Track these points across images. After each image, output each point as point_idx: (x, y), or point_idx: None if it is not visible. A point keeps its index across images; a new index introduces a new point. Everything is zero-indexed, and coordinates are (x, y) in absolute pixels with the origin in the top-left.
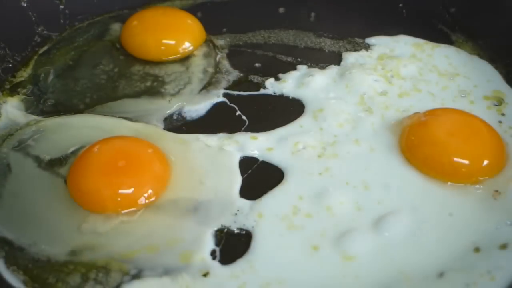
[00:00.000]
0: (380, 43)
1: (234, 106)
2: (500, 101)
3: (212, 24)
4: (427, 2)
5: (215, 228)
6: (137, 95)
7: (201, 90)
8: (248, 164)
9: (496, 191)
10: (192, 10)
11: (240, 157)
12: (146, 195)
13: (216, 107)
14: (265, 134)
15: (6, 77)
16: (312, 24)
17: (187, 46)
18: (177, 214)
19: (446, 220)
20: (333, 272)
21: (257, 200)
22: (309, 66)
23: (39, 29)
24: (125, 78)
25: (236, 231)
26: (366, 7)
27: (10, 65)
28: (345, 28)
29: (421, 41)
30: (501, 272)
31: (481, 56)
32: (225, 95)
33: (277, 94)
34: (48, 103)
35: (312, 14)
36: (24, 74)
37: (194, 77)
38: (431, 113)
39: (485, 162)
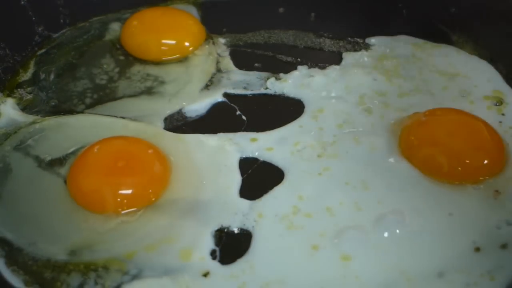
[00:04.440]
0: (380, 43)
1: (234, 106)
2: (500, 101)
3: (212, 24)
4: (427, 2)
5: (215, 228)
6: (137, 95)
7: (201, 90)
8: (248, 164)
9: (496, 191)
10: (192, 10)
11: (240, 157)
12: (146, 195)
13: (216, 107)
14: (265, 134)
15: (6, 77)
16: (312, 24)
17: (187, 46)
18: (177, 214)
19: (446, 220)
20: (333, 272)
21: (257, 200)
22: (309, 66)
23: (39, 29)
24: (125, 78)
25: (236, 231)
26: (366, 7)
27: (10, 65)
28: (345, 28)
29: (421, 41)
30: (501, 272)
31: (481, 56)
32: (225, 95)
33: (277, 94)
34: (49, 103)
35: (312, 14)
36: (24, 74)
37: (194, 77)
38: (431, 113)
39: (485, 162)
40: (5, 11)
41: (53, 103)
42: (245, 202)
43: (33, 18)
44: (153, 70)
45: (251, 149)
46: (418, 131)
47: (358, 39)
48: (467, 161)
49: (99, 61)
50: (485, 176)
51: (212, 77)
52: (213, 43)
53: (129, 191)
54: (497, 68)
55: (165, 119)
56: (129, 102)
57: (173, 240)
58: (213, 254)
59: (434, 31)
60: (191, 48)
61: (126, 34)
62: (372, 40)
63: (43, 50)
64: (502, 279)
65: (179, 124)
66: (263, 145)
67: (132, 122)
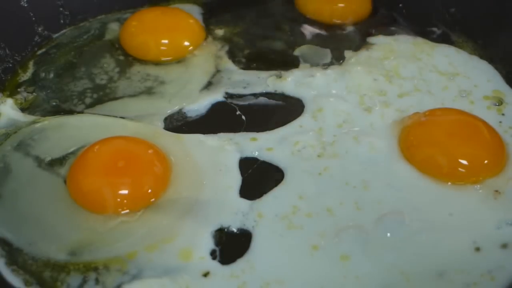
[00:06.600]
0: (380, 43)
1: (234, 106)
2: (500, 101)
3: (212, 23)
4: (427, 2)
5: (215, 228)
6: (137, 95)
7: (201, 89)
8: (248, 164)
9: (496, 191)
10: (192, 10)
11: (240, 157)
12: (146, 195)
13: (216, 107)
14: (265, 134)
15: (6, 77)
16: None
17: (186, 46)
18: (177, 214)
19: (446, 220)
20: (333, 272)
21: (257, 200)
22: (310, 66)
23: (39, 29)
24: (125, 78)
25: (236, 231)
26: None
27: (10, 65)
28: (345, 28)
29: (421, 41)
30: (502, 272)
31: (481, 56)
32: (225, 95)
33: (278, 93)
34: (49, 103)
35: None
36: (24, 74)
37: (194, 77)
38: (431, 113)
39: (485, 162)
40: (5, 11)
41: (53, 103)
42: (245, 202)
43: (33, 18)
44: (153, 70)
45: (251, 149)
46: (418, 131)
47: (358, 39)
48: (467, 161)
49: (99, 61)
50: (485, 176)
51: (212, 77)
52: (213, 43)
53: (129, 191)
54: (497, 68)
55: (165, 119)
56: (129, 102)
57: (173, 240)
58: (213, 254)
59: (434, 31)
60: (190, 48)
61: (125, 34)
62: (372, 40)
63: (43, 50)
64: (502, 279)
65: (179, 124)
66: (263, 145)
67: (132, 122)
